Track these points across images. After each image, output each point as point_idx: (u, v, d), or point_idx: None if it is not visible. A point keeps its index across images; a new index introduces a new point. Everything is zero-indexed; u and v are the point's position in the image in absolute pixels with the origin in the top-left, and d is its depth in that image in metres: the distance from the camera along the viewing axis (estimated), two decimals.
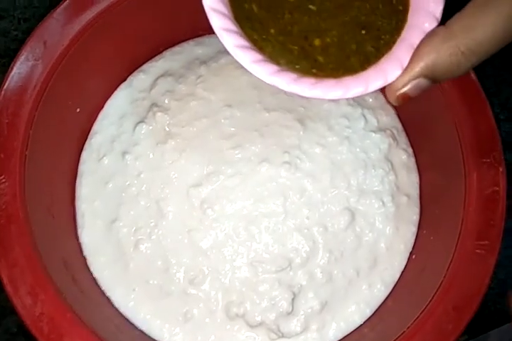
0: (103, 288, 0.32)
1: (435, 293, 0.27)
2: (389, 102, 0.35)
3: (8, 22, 0.38)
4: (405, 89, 0.20)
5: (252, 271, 0.31)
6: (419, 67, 0.19)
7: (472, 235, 0.27)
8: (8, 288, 0.25)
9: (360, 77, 0.20)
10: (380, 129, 0.35)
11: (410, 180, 0.34)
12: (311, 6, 0.21)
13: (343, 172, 0.33)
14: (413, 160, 0.35)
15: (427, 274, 0.30)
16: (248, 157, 0.33)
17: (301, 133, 0.33)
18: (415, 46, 0.20)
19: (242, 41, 0.20)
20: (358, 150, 0.34)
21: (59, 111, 0.31)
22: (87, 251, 0.33)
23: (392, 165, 0.34)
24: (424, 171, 0.34)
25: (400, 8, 0.21)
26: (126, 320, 0.31)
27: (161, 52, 0.36)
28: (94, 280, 0.32)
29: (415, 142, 0.35)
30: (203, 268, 0.32)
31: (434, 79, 0.20)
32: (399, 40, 0.21)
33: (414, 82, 0.20)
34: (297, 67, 0.20)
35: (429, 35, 0.20)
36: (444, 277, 0.27)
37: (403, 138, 0.35)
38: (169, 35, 0.35)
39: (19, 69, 0.28)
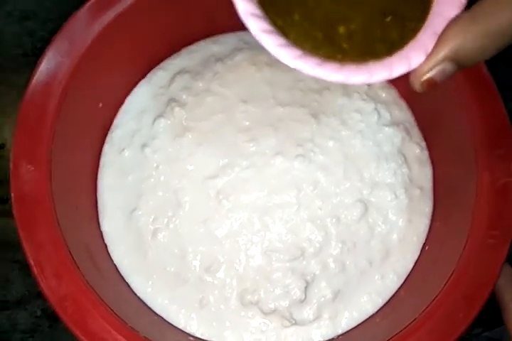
0: (123, 275, 0.33)
1: (446, 282, 0.27)
2: (407, 95, 0.36)
3: (34, 23, 0.39)
4: (430, 74, 0.20)
5: (266, 259, 0.32)
6: (444, 51, 0.19)
7: (484, 225, 0.27)
8: (35, 270, 0.27)
9: (384, 63, 0.21)
10: (393, 123, 0.35)
11: (423, 173, 0.35)
12: None
13: (356, 165, 0.33)
14: (426, 153, 0.35)
15: (439, 265, 0.30)
16: (263, 150, 0.34)
17: (315, 127, 0.34)
18: (439, 32, 0.20)
19: (267, 26, 0.20)
20: (371, 143, 0.34)
21: (82, 105, 0.32)
22: (108, 239, 0.34)
23: (405, 158, 0.34)
24: (437, 164, 0.34)
25: None
26: (145, 305, 0.32)
27: (178, 50, 0.37)
28: (114, 266, 0.33)
29: (428, 136, 0.35)
30: (218, 257, 0.32)
31: (460, 64, 0.20)
32: (423, 28, 0.21)
33: (439, 67, 0.20)
34: (321, 52, 0.21)
35: (454, 20, 0.20)
36: (456, 267, 0.27)
37: (416, 132, 0.36)
38: (186, 34, 0.36)
39: (46, 65, 0.29)
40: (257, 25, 0.20)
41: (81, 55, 0.30)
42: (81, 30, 0.30)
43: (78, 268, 0.28)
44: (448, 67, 0.20)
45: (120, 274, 0.33)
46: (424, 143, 0.35)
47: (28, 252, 0.27)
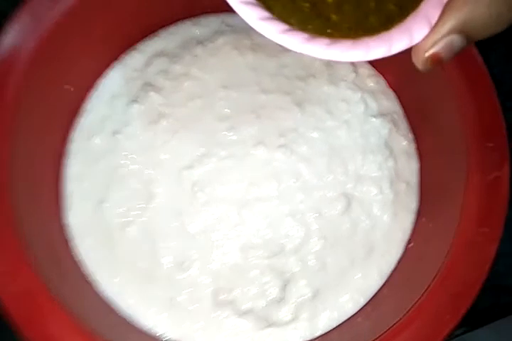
0: (88, 272, 0.31)
1: (432, 280, 0.26)
2: (395, 84, 0.34)
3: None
4: (436, 48, 0.17)
5: (243, 256, 0.30)
6: (451, 21, 0.17)
7: (472, 222, 0.26)
8: None
9: (381, 37, 0.18)
10: (381, 114, 0.34)
11: (410, 167, 0.33)
12: None
13: (340, 157, 0.32)
14: (414, 146, 0.34)
15: (425, 262, 0.29)
16: (243, 139, 0.32)
17: (299, 116, 0.32)
18: (444, 1, 0.18)
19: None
20: (357, 135, 0.32)
21: (49, 87, 0.30)
22: (73, 232, 0.31)
23: (391, 151, 0.33)
24: (425, 158, 0.33)
25: None
26: (110, 305, 0.30)
27: (155, 31, 0.35)
28: (78, 264, 0.31)
29: (416, 127, 0.34)
30: (191, 253, 0.31)
31: (470, 37, 0.17)
32: None
33: (446, 40, 0.17)
34: (309, 27, 0.18)
35: None
36: (442, 264, 0.26)
37: (404, 124, 0.34)
38: (164, 14, 0.34)
39: (6, 43, 0.27)
40: None
41: (47, 33, 0.27)
42: (48, 5, 0.27)
43: (35, 264, 0.25)
44: (456, 40, 0.17)
45: (85, 271, 0.31)
46: (411, 135, 0.34)
47: None
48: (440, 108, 0.31)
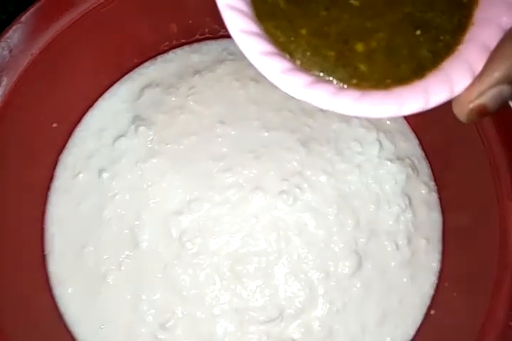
0: (69, 324, 0.28)
1: None
2: (416, 124, 0.31)
3: None
4: (482, 99, 0.16)
5: (236, 320, 0.27)
6: (502, 70, 0.15)
7: (506, 303, 0.22)
8: None
9: (416, 88, 0.16)
10: (398, 157, 0.30)
11: (431, 220, 0.29)
12: (352, 1, 0.17)
13: (351, 206, 0.28)
14: (435, 195, 0.30)
15: (452, 338, 0.24)
16: (239, 183, 0.29)
17: (304, 157, 0.29)
18: (491, 47, 0.16)
19: (267, 46, 0.16)
20: (370, 181, 0.29)
21: (28, 127, 0.27)
22: (53, 280, 0.29)
23: (410, 200, 0.29)
24: (449, 210, 0.29)
25: (465, 0, 0.17)
26: None
27: (152, 57, 0.32)
28: (61, 318, 0.28)
29: (439, 175, 0.30)
30: (177, 311, 0.27)
31: None
32: (466, 41, 0.16)
33: (494, 91, 0.16)
34: (333, 76, 0.16)
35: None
36: None
37: (425, 170, 0.30)
38: (161, 40, 0.31)
39: None
40: (254, 46, 0.16)
41: (25, 68, 0.25)
42: (25, 37, 0.24)
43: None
44: (506, 90, 0.16)
45: (65, 325, 0.28)
46: (433, 183, 0.30)
47: None
48: (467, 155, 0.27)
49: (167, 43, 0.31)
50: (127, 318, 0.27)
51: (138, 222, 0.28)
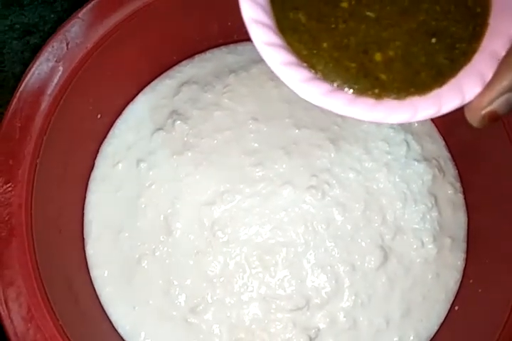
0: (104, 306, 0.29)
1: None
2: (443, 126, 0.32)
3: (38, 37, 0.35)
4: (493, 106, 0.16)
5: (264, 307, 0.28)
6: (508, 80, 0.16)
7: None
8: (0, 310, 0.23)
9: (429, 96, 0.17)
10: (425, 158, 0.31)
11: (456, 220, 0.30)
12: (368, 13, 0.18)
13: (378, 203, 0.29)
14: (461, 196, 0.30)
15: (475, 333, 0.25)
16: (270, 177, 0.30)
17: (333, 155, 0.30)
18: (501, 56, 0.17)
19: (290, 57, 0.17)
20: (397, 179, 0.29)
21: (77, 116, 0.28)
22: (91, 263, 0.30)
23: (436, 200, 0.30)
24: (474, 210, 0.30)
25: (478, 10, 0.18)
26: None
27: (191, 56, 0.33)
28: (98, 300, 0.29)
29: (465, 175, 0.31)
30: (207, 297, 0.28)
31: None
32: (480, 49, 0.17)
33: (502, 98, 0.16)
34: (355, 87, 0.17)
35: None
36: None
37: (451, 170, 0.31)
38: (200, 40, 0.33)
39: (38, 69, 0.26)
40: (277, 57, 0.17)
41: (79, 60, 0.26)
42: (81, 32, 0.26)
43: (52, 309, 0.23)
44: None
45: (101, 306, 0.29)
46: (458, 184, 0.31)
47: None
48: (494, 157, 0.28)
49: (205, 43, 0.33)
50: (159, 301, 0.29)
51: (172, 211, 0.29)
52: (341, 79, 0.17)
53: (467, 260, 0.29)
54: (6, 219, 0.23)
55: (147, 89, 0.33)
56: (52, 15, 0.36)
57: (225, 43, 0.33)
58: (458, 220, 0.30)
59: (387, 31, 0.17)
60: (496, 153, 0.28)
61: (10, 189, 0.23)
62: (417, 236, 0.28)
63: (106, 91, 0.30)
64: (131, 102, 0.32)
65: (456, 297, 0.28)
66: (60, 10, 0.36)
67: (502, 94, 0.16)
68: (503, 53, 0.17)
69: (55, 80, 0.25)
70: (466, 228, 0.30)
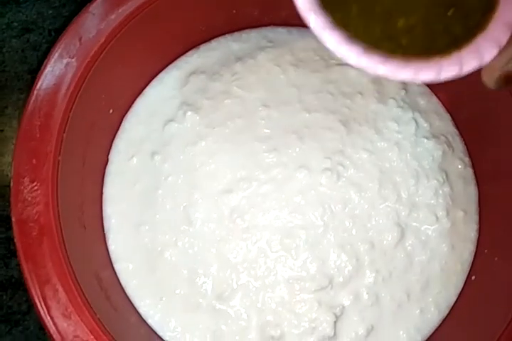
0: (130, 298, 0.30)
1: (508, 324, 0.23)
2: (449, 103, 0.32)
3: (37, 34, 0.35)
4: (507, 67, 0.17)
5: (288, 289, 0.28)
6: None
7: None
8: (39, 308, 0.23)
9: (452, 58, 0.18)
10: (434, 135, 0.31)
11: (467, 193, 0.31)
12: None
13: (392, 181, 0.29)
14: (470, 170, 0.31)
15: (493, 300, 0.26)
16: (284, 162, 0.30)
17: (345, 136, 0.30)
18: None
19: (328, 21, 0.18)
20: (409, 157, 0.30)
21: (93, 111, 0.28)
22: (115, 258, 0.30)
23: (447, 175, 0.30)
24: (484, 183, 0.30)
25: None
26: (156, 332, 0.29)
27: (196, 46, 0.33)
28: (124, 293, 0.29)
29: (473, 150, 0.31)
30: (232, 283, 0.29)
31: None
32: (494, 18, 0.18)
33: None
34: (381, 48, 0.18)
35: None
36: None
37: (459, 146, 0.32)
38: (206, 29, 0.33)
39: (53, 67, 0.26)
40: (317, 20, 0.18)
41: (92, 55, 0.26)
42: (94, 26, 0.26)
43: (89, 303, 0.24)
44: None
45: (128, 298, 0.29)
46: (467, 159, 0.32)
47: (31, 288, 0.23)
48: (501, 130, 0.28)
49: (211, 32, 0.33)
50: (185, 290, 0.29)
51: (190, 201, 0.30)
52: (368, 41, 0.18)
53: (480, 231, 0.30)
54: (36, 218, 0.24)
55: (155, 82, 0.33)
56: (50, 11, 0.35)
57: (230, 31, 0.33)
58: (469, 193, 0.31)
59: (410, 1, 0.19)
60: (502, 129, 0.28)
61: (36, 188, 0.24)
62: (431, 211, 0.29)
63: (116, 85, 0.29)
64: (140, 95, 0.32)
65: (472, 267, 0.29)
66: (57, 5, 0.35)
67: None
68: None
69: (70, 76, 0.25)
70: (477, 200, 0.31)
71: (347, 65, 0.19)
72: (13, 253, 0.32)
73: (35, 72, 0.35)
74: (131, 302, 0.29)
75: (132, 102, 0.32)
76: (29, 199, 0.24)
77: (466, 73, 0.18)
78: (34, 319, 0.31)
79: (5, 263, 0.32)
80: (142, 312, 0.29)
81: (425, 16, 0.19)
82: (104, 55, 0.26)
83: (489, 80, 0.18)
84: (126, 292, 0.30)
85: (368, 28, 0.18)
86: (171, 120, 0.31)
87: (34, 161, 0.24)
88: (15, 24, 0.35)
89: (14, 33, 0.35)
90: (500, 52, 0.17)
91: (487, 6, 0.18)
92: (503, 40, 0.18)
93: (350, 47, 0.18)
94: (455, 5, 0.19)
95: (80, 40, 0.25)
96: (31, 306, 0.31)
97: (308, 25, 0.18)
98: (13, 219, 0.24)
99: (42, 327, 0.30)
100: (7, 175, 0.34)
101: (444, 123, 0.32)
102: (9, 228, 0.33)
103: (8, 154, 0.34)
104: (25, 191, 0.24)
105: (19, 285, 0.31)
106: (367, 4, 0.19)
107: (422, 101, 0.32)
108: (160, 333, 0.29)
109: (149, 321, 0.29)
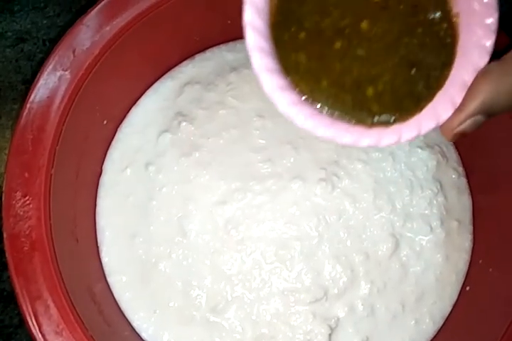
0: (125, 312, 0.29)
1: (502, 337, 0.23)
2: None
3: (32, 44, 0.35)
4: (462, 127, 0.19)
5: (283, 301, 0.28)
6: (475, 105, 0.19)
7: None
8: (30, 325, 0.23)
9: (411, 122, 0.20)
10: (427, 145, 0.31)
11: (461, 203, 0.31)
12: (359, 51, 0.20)
13: (386, 192, 0.30)
14: (464, 180, 0.31)
15: (488, 311, 0.26)
16: (279, 172, 0.30)
17: (340, 147, 0.30)
18: (468, 84, 0.19)
19: (283, 82, 0.19)
20: (403, 167, 0.30)
21: (86, 123, 0.28)
22: (108, 271, 0.30)
23: (441, 185, 0.31)
24: (478, 193, 0.31)
25: (448, 40, 0.20)
26: None
27: (191, 56, 0.33)
28: (118, 306, 0.29)
29: (467, 160, 0.31)
30: (226, 295, 0.29)
31: (491, 115, 0.19)
32: (450, 77, 0.20)
33: (471, 120, 0.19)
34: (353, 119, 0.20)
35: (484, 73, 0.19)
36: None
37: (453, 156, 0.32)
38: (200, 40, 0.33)
39: (46, 79, 0.26)
40: (271, 81, 0.19)
41: (86, 67, 0.26)
42: (87, 38, 0.26)
43: (81, 319, 0.24)
44: (479, 118, 0.19)
45: (122, 312, 0.29)
46: (461, 169, 0.32)
47: (22, 303, 0.23)
48: (495, 140, 0.29)
49: (205, 43, 0.33)
50: (179, 303, 0.29)
51: (184, 213, 0.30)
52: (340, 111, 0.20)
53: (474, 241, 0.30)
54: (27, 233, 0.23)
55: (150, 92, 0.33)
56: (44, 21, 0.35)
57: (224, 41, 0.33)
58: (463, 203, 0.31)
59: (375, 68, 0.20)
60: (494, 136, 0.28)
61: (28, 202, 0.24)
62: (425, 221, 0.29)
63: (110, 96, 0.29)
64: (135, 106, 0.32)
65: (466, 278, 0.29)
66: (52, 15, 0.36)
67: (470, 117, 0.19)
68: (470, 80, 0.19)
69: (64, 89, 0.25)
70: (472, 210, 0.31)
71: None
72: (5, 266, 0.32)
73: (29, 82, 0.35)
74: (124, 316, 0.29)
75: (127, 113, 0.32)
76: (21, 213, 0.24)
77: (424, 134, 0.19)
78: (26, 333, 0.30)
79: None
80: (136, 326, 0.29)
81: (392, 81, 0.20)
82: (98, 67, 0.26)
83: (445, 136, 0.20)
84: (120, 305, 0.29)
85: (338, 100, 0.19)
86: (165, 130, 0.31)
87: (26, 175, 0.24)
88: (9, 34, 0.35)
89: (8, 42, 0.35)
90: (455, 113, 0.19)
91: (445, 63, 0.20)
92: (458, 100, 0.19)
93: (300, 109, 0.19)
94: (416, 63, 0.20)
95: (74, 52, 0.25)
96: (23, 320, 0.30)
97: (260, 85, 0.19)
98: (4, 234, 0.23)
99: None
100: (0, 187, 0.33)
101: (438, 133, 0.32)
102: (1, 240, 0.33)
103: (0, 164, 0.34)
104: (17, 205, 0.24)
105: (11, 299, 0.31)
106: (337, 77, 0.20)
107: None
108: None
109: (143, 334, 0.29)
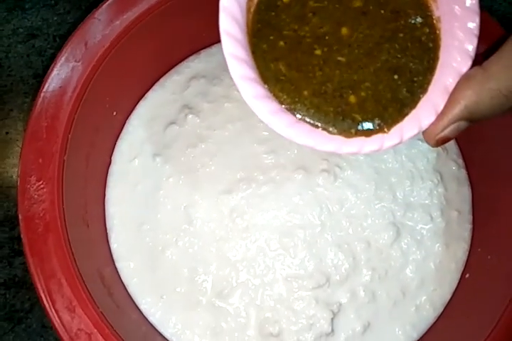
0: (132, 296, 0.30)
1: (498, 321, 0.24)
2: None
3: (42, 40, 0.36)
4: (444, 133, 0.19)
5: (287, 287, 0.29)
6: (458, 111, 0.19)
7: None
8: (44, 302, 0.24)
9: (393, 130, 0.20)
10: None
11: (461, 194, 0.31)
12: (339, 58, 0.19)
13: (388, 182, 0.30)
14: (464, 172, 0.32)
15: (486, 297, 0.26)
16: (282, 163, 0.31)
17: None
18: (450, 89, 0.19)
19: (263, 91, 0.19)
20: (404, 159, 0.31)
21: (97, 113, 0.29)
22: (117, 257, 0.31)
23: (441, 176, 0.31)
24: (477, 184, 0.31)
25: (431, 45, 0.20)
26: (157, 330, 0.29)
27: (197, 51, 0.34)
28: (126, 291, 0.30)
29: (467, 152, 0.32)
30: (231, 281, 0.30)
31: (473, 121, 0.19)
32: (433, 82, 0.19)
33: (453, 126, 0.19)
34: (336, 129, 0.19)
35: (466, 78, 0.19)
36: (510, 303, 0.24)
37: (453, 148, 0.32)
38: (207, 36, 0.34)
39: (59, 70, 0.27)
40: (251, 89, 0.19)
41: (97, 59, 0.27)
42: (99, 31, 0.27)
43: (92, 298, 0.25)
44: (462, 124, 0.19)
45: (130, 296, 0.30)
46: (461, 161, 0.32)
47: (37, 282, 0.24)
48: (494, 132, 0.29)
49: (212, 38, 0.34)
50: (186, 288, 0.30)
51: (191, 202, 0.31)
52: (322, 122, 0.19)
53: (473, 230, 0.31)
54: (41, 215, 0.24)
55: (157, 86, 0.34)
56: (55, 18, 0.37)
57: None
58: (463, 194, 0.31)
59: (357, 74, 0.19)
60: (494, 129, 0.29)
61: (42, 186, 0.24)
62: (426, 211, 0.30)
63: (120, 88, 0.30)
64: (143, 99, 0.33)
65: (466, 266, 0.30)
66: (62, 12, 0.37)
67: (452, 122, 0.19)
68: (452, 86, 0.19)
69: (76, 79, 0.26)
70: (471, 201, 0.31)
71: None
72: (16, 253, 0.33)
73: (39, 76, 0.36)
74: (132, 300, 0.30)
75: (135, 105, 0.33)
76: (35, 197, 0.24)
77: (407, 140, 0.19)
78: (36, 317, 0.31)
79: (9, 263, 0.33)
80: (143, 310, 0.30)
81: (374, 87, 0.19)
82: (109, 59, 0.27)
83: (428, 142, 0.20)
84: (128, 290, 0.30)
85: (321, 110, 0.19)
86: (172, 123, 0.32)
87: (40, 160, 0.25)
88: (20, 30, 0.37)
89: (20, 38, 0.37)
90: (438, 118, 0.19)
91: (428, 67, 0.20)
92: (440, 105, 0.19)
93: (280, 118, 0.18)
94: (399, 68, 0.19)
95: (86, 44, 0.26)
96: (34, 304, 0.31)
97: (241, 94, 0.18)
98: (19, 216, 0.24)
99: (44, 325, 0.31)
100: (11, 177, 0.34)
101: None
102: (13, 228, 0.34)
103: (13, 156, 0.35)
104: (32, 189, 0.24)
105: (22, 284, 0.32)
106: (318, 86, 0.19)
107: None
108: (161, 330, 0.29)
109: (150, 319, 0.30)
